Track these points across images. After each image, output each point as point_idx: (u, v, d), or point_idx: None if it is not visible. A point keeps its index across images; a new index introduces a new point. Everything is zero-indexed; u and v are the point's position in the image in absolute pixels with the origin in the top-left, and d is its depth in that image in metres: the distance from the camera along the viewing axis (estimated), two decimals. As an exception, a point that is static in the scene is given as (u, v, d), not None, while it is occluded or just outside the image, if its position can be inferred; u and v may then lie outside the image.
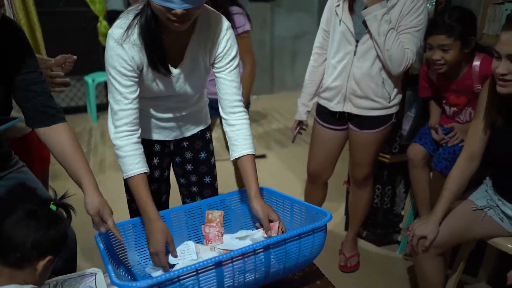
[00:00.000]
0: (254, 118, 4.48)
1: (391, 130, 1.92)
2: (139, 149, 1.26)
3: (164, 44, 1.22)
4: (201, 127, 1.57)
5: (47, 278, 1.15)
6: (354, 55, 1.76)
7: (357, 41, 1.74)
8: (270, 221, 1.25)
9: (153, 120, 1.44)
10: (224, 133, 1.39)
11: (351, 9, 1.73)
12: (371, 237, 2.37)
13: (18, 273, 1.02)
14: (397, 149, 2.15)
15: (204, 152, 1.58)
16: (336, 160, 2.06)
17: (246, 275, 1.08)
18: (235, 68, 1.32)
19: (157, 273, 1.23)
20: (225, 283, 1.05)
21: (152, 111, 1.41)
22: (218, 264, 1.02)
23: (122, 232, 1.30)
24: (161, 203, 1.59)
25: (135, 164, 1.23)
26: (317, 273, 1.32)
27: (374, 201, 2.27)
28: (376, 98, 1.79)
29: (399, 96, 1.84)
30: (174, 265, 1.24)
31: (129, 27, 1.19)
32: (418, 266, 1.63)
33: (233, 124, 1.33)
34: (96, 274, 1.32)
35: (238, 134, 1.32)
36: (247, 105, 2.17)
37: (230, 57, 1.30)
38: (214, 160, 1.63)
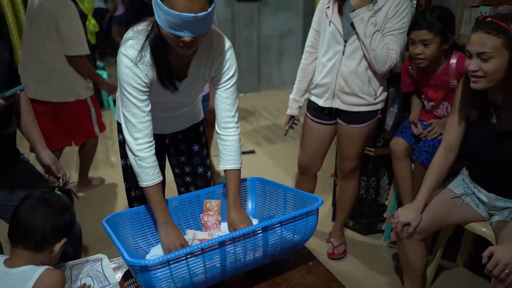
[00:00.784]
0: (242, 116, 4.57)
1: (377, 125, 2.04)
2: (156, 160, 1.36)
3: (170, 62, 1.32)
4: (195, 121, 1.68)
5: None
6: (343, 54, 1.87)
7: (345, 41, 1.86)
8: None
9: None
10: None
11: (340, 11, 1.85)
12: (357, 226, 2.49)
13: (37, 255, 1.10)
14: (381, 143, 2.28)
15: (198, 145, 1.69)
16: (325, 153, 2.17)
17: (246, 254, 1.18)
18: (231, 86, 1.41)
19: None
20: (227, 261, 1.15)
21: (152, 112, 1.50)
22: (221, 244, 1.11)
23: (126, 219, 1.39)
24: None
25: (156, 174, 1.33)
26: (309, 256, 1.43)
27: (360, 192, 2.40)
28: (363, 95, 1.90)
29: (385, 94, 1.96)
30: None
31: (142, 48, 1.27)
32: (402, 251, 1.76)
33: (223, 139, 1.43)
34: (102, 259, 1.40)
35: (226, 149, 1.43)
36: None
37: (228, 76, 1.39)
38: (207, 152, 1.74)
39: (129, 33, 1.29)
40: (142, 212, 1.43)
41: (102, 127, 2.90)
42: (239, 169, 1.44)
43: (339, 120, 2.03)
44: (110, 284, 1.29)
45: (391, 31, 1.79)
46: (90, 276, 1.32)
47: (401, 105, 2.28)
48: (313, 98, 2.06)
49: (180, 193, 1.76)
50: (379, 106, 1.97)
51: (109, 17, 7.30)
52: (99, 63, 4.93)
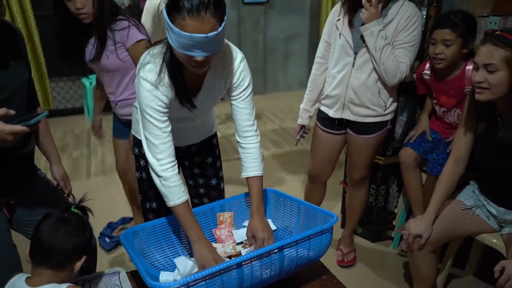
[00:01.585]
0: (249, 119, 4.58)
1: (386, 135, 2.05)
2: (180, 178, 1.37)
3: (186, 80, 1.34)
4: (209, 134, 1.71)
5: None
6: (353, 66, 1.89)
7: (355, 54, 1.87)
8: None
9: None
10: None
11: (350, 24, 1.86)
12: (366, 233, 2.51)
13: (59, 273, 1.13)
14: (390, 152, 2.29)
15: (211, 157, 1.72)
16: (335, 162, 2.19)
17: (262, 272, 1.20)
18: (247, 96, 1.43)
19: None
20: (244, 280, 1.17)
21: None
22: (239, 265, 1.14)
23: (143, 233, 1.41)
24: None
25: (182, 193, 1.34)
26: (322, 268, 1.45)
27: (369, 200, 2.41)
28: (373, 106, 1.92)
29: (394, 105, 1.98)
30: None
31: (160, 71, 1.29)
32: (413, 262, 1.78)
33: (244, 147, 1.45)
34: (119, 272, 1.43)
35: (247, 156, 1.45)
36: None
37: (243, 87, 1.41)
38: (220, 163, 1.77)
39: (146, 57, 1.31)
40: (158, 225, 1.45)
41: None
42: (261, 176, 1.46)
43: (349, 131, 2.05)
44: (128, 298, 1.32)
45: (401, 44, 1.80)
46: (109, 290, 1.34)
47: (411, 114, 2.29)
48: (323, 108, 2.08)
49: (193, 204, 1.79)
50: (388, 117, 1.98)
51: None
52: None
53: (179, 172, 1.73)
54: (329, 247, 1.35)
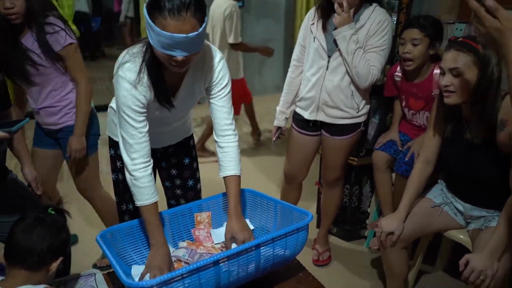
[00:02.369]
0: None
1: (359, 136, 2.12)
2: (153, 179, 1.38)
3: (165, 80, 1.35)
4: (185, 135, 1.72)
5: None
6: (327, 69, 1.94)
7: (329, 57, 1.93)
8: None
9: None
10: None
11: (324, 28, 1.92)
12: (340, 233, 2.57)
13: (34, 275, 1.12)
14: (363, 153, 2.36)
15: (188, 158, 1.73)
16: (310, 163, 2.24)
17: (239, 270, 1.22)
18: (226, 95, 1.45)
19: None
20: (222, 278, 1.19)
21: None
22: (216, 262, 1.15)
23: (120, 234, 1.41)
24: None
25: (150, 194, 1.34)
26: (298, 266, 1.48)
27: (343, 200, 2.47)
28: (346, 108, 1.98)
29: (367, 107, 2.04)
30: None
31: (140, 71, 1.29)
32: (386, 258, 1.83)
33: (222, 147, 1.46)
34: (95, 274, 1.42)
35: (225, 156, 1.46)
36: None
37: (222, 85, 1.43)
38: (197, 164, 1.78)
39: (126, 56, 1.32)
40: (135, 226, 1.45)
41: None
42: (239, 176, 1.46)
43: (323, 132, 2.10)
44: (105, 299, 1.31)
45: (373, 48, 1.86)
46: (85, 292, 1.33)
47: (383, 116, 2.37)
48: (298, 110, 2.13)
49: (170, 205, 1.79)
50: (361, 119, 2.04)
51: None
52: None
53: (155, 174, 1.74)
54: (305, 246, 1.38)
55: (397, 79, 2.13)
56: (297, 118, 2.15)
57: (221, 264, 1.17)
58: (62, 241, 1.17)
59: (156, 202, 1.36)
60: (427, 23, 1.92)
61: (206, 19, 1.20)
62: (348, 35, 1.80)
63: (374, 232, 2.35)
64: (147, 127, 1.35)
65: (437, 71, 1.97)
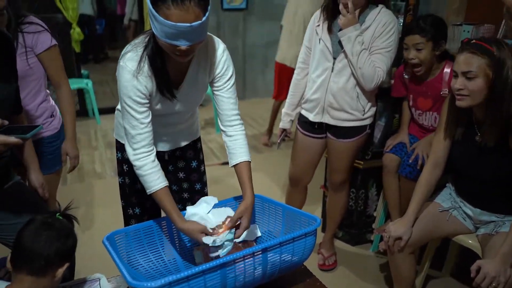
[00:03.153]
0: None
1: (365, 139, 2.09)
2: (157, 165, 1.37)
3: (168, 70, 1.34)
4: (193, 138, 1.69)
5: (57, 285, 1.23)
6: (332, 71, 1.92)
7: (334, 59, 1.91)
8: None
9: None
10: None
11: (329, 29, 1.90)
12: (346, 237, 2.55)
13: (40, 280, 1.10)
14: (369, 156, 2.33)
15: (196, 161, 1.71)
16: (315, 166, 2.22)
17: (246, 274, 1.20)
18: (232, 86, 1.45)
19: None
20: (228, 283, 1.17)
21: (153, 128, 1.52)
22: (222, 265, 1.14)
23: (127, 237, 1.39)
24: (154, 207, 1.69)
25: (155, 180, 1.34)
26: (306, 272, 1.46)
27: (349, 203, 2.45)
28: (351, 110, 1.96)
29: (373, 109, 2.02)
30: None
31: (140, 60, 1.29)
32: (393, 263, 1.81)
33: (231, 135, 1.46)
34: (100, 279, 1.40)
35: (235, 143, 1.45)
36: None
37: (227, 77, 1.43)
38: (204, 168, 1.76)
39: (128, 47, 1.32)
40: (142, 229, 1.43)
41: None
42: (250, 162, 1.45)
43: (328, 135, 2.08)
44: (110, 304, 1.29)
45: (378, 50, 1.85)
46: (89, 297, 1.32)
47: (389, 119, 2.35)
48: (303, 112, 2.11)
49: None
50: (367, 122, 2.02)
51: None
52: (83, 71, 4.88)
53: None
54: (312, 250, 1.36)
55: (406, 76, 2.10)
56: (302, 121, 2.13)
57: (227, 268, 1.15)
58: (69, 247, 1.16)
59: (166, 187, 1.36)
60: (427, 25, 1.88)
61: (209, 8, 1.20)
62: (353, 36, 1.79)
63: (381, 236, 2.32)
64: (149, 117, 1.35)
65: (447, 70, 1.95)
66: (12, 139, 1.13)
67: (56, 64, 1.77)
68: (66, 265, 1.15)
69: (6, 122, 1.16)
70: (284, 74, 3.72)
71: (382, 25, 1.82)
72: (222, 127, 1.48)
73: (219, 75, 1.42)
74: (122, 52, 1.33)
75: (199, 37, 1.20)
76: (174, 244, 1.49)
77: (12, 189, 1.47)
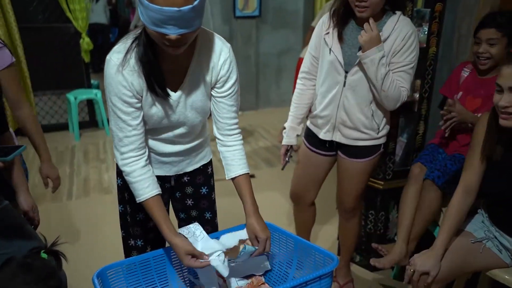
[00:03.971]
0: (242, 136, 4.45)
1: (379, 159, 1.91)
2: (148, 171, 1.27)
3: (163, 67, 1.21)
4: (203, 162, 1.52)
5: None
6: (344, 85, 1.74)
7: (346, 72, 1.72)
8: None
9: (153, 155, 1.40)
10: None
11: (340, 37, 1.71)
12: (364, 262, 2.36)
13: None
14: (390, 175, 2.15)
15: (206, 187, 1.54)
16: (320, 184, 2.03)
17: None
18: (235, 92, 1.32)
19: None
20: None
21: (153, 146, 1.37)
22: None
23: (120, 272, 1.26)
24: (160, 237, 1.50)
25: (145, 188, 1.24)
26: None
27: (368, 226, 2.27)
28: (365, 129, 1.78)
29: (387, 127, 1.84)
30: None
31: (127, 51, 1.17)
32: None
33: (229, 145, 1.36)
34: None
35: (234, 154, 1.36)
36: None
37: (232, 80, 1.30)
38: (215, 196, 1.60)
39: (119, 42, 1.20)
40: (138, 262, 1.29)
41: None
42: (249, 174, 1.38)
43: (340, 153, 1.90)
44: None
45: (401, 67, 1.66)
46: None
47: (411, 135, 2.16)
48: (312, 128, 1.93)
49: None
50: (381, 141, 1.84)
51: None
52: (92, 81, 4.81)
53: (167, 204, 1.57)
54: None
55: (465, 74, 1.95)
56: (309, 134, 1.94)
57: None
58: None
59: (156, 196, 1.25)
60: (505, 21, 1.76)
61: None
62: (377, 59, 1.59)
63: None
64: (139, 120, 1.23)
65: None
66: None
67: (16, 83, 1.59)
68: None
69: None
70: None
71: (401, 38, 1.62)
72: (218, 136, 1.36)
73: (224, 78, 1.28)
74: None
75: (190, 25, 1.06)
76: (175, 280, 1.35)
77: None
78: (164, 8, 1.00)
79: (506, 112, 1.34)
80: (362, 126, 1.77)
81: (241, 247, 1.30)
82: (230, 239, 1.34)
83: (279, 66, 5.56)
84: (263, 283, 1.37)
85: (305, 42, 3.97)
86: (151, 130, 1.33)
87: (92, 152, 4.12)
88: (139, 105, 1.22)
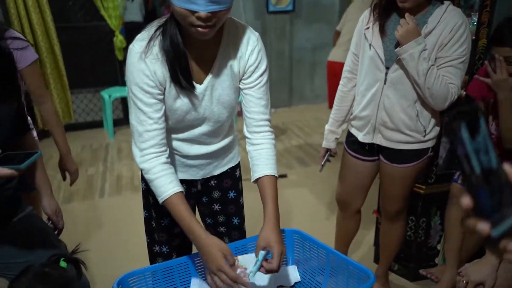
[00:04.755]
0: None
1: (426, 164, 1.75)
2: (169, 168, 1.17)
3: (188, 57, 1.12)
4: (231, 165, 1.44)
5: None
6: (384, 83, 1.61)
7: (387, 68, 1.59)
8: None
9: (178, 158, 1.33)
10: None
11: (382, 31, 1.58)
12: (403, 271, 2.21)
13: None
14: (433, 179, 1.99)
15: (233, 191, 1.46)
16: (367, 190, 1.91)
17: None
18: (264, 84, 1.22)
19: None
20: None
21: (178, 147, 1.30)
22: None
23: (139, 280, 1.20)
24: (186, 243, 1.48)
25: (167, 184, 1.14)
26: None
27: (408, 233, 2.12)
28: (409, 131, 1.63)
29: (437, 129, 1.67)
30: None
31: (150, 39, 1.09)
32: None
33: (257, 144, 1.24)
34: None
35: (261, 153, 1.23)
36: None
37: (261, 70, 1.20)
38: (243, 201, 1.51)
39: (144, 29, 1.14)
40: (161, 270, 1.23)
41: None
42: (276, 178, 1.22)
43: (381, 158, 1.76)
44: None
45: (449, 62, 1.50)
46: None
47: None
48: (352, 130, 1.81)
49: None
50: (429, 144, 1.68)
51: None
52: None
53: (194, 209, 1.49)
54: None
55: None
56: (350, 140, 1.82)
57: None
58: None
59: (180, 192, 1.14)
60: None
61: None
62: (416, 53, 1.46)
63: None
64: (161, 112, 1.14)
65: None
66: (5, 171, 0.99)
67: (39, 78, 1.70)
68: None
69: None
70: None
71: (449, 29, 1.47)
72: (247, 134, 1.25)
73: (252, 68, 1.19)
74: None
75: (221, 0, 0.98)
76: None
77: (20, 223, 1.32)
78: None
79: None
80: (405, 127, 1.63)
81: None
82: (248, 260, 1.23)
83: (314, 62, 5.41)
84: None
85: (333, 44, 3.83)
86: (174, 128, 1.25)
87: (125, 149, 4.15)
88: (161, 97, 1.14)
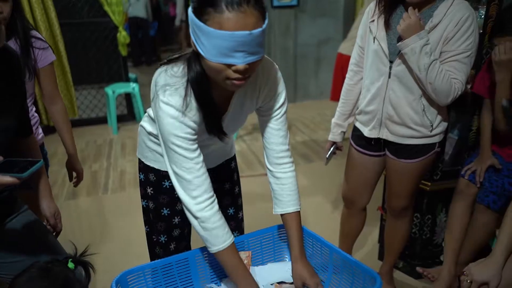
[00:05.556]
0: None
1: (433, 159, 1.72)
2: (222, 216, 1.17)
3: (216, 102, 1.12)
4: (227, 158, 1.47)
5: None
6: (389, 77, 1.58)
7: (391, 62, 1.56)
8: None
9: None
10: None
11: (386, 24, 1.55)
12: (408, 268, 2.18)
13: None
14: (438, 176, 1.96)
15: (228, 183, 1.49)
16: (373, 187, 1.88)
17: None
18: (283, 115, 1.21)
19: None
20: None
21: None
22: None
23: (138, 278, 1.19)
24: (184, 235, 1.49)
25: (225, 235, 1.15)
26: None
27: (413, 230, 2.09)
28: (416, 126, 1.60)
29: (444, 124, 1.64)
30: None
31: (186, 94, 1.07)
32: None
33: (279, 177, 1.25)
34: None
35: (283, 188, 1.24)
36: None
37: (279, 103, 1.19)
38: (239, 189, 1.54)
39: (164, 77, 1.08)
40: (160, 267, 1.22)
41: None
42: (299, 211, 1.25)
43: (387, 153, 1.74)
44: None
45: (454, 56, 1.46)
46: None
47: (463, 131, 1.96)
48: (357, 125, 1.78)
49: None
50: (436, 139, 1.65)
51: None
52: (131, 75, 4.84)
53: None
54: None
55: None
56: (356, 134, 1.80)
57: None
58: None
59: (233, 241, 1.17)
60: None
61: (266, 14, 0.97)
62: (417, 47, 1.43)
63: None
64: (202, 156, 1.13)
65: None
66: (7, 178, 0.98)
67: (54, 79, 1.73)
68: None
69: (1, 158, 1.02)
70: None
71: (455, 22, 1.43)
72: (268, 165, 1.25)
73: (270, 101, 1.18)
74: (158, 83, 1.08)
75: (257, 51, 0.96)
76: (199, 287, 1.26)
77: (15, 223, 1.30)
78: (235, 32, 0.91)
79: None
80: (412, 122, 1.60)
81: None
82: (265, 275, 1.27)
83: (319, 57, 5.37)
84: None
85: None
86: None
87: (129, 145, 4.15)
88: (197, 139, 1.14)
